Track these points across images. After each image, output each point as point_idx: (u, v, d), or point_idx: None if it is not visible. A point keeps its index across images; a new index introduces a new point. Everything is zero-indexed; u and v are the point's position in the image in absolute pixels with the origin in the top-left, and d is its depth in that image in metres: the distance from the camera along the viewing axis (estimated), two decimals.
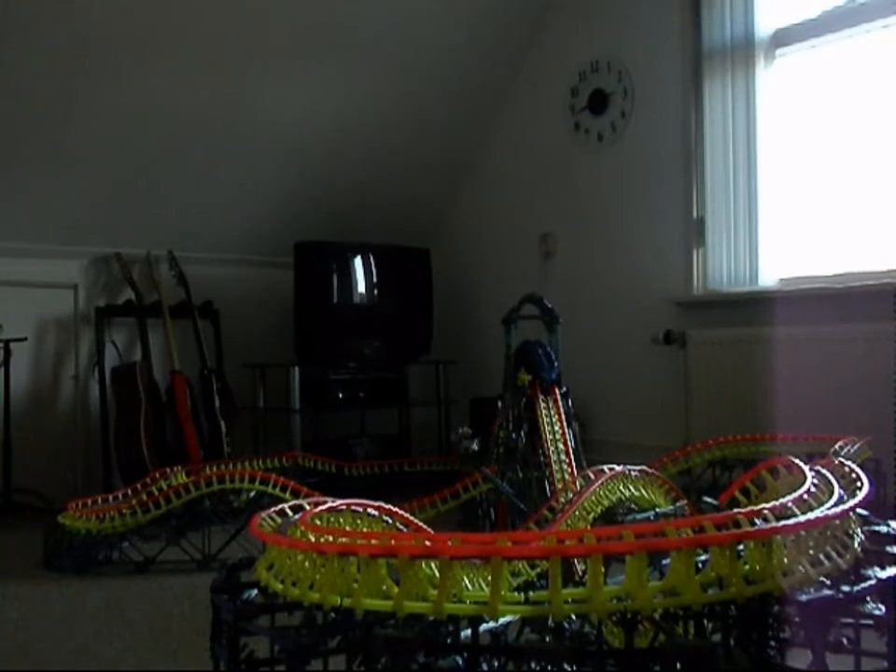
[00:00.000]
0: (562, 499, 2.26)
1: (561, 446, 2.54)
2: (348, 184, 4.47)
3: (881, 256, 3.11)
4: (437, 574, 1.13)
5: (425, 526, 1.78)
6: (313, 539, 1.33)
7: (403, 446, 4.32)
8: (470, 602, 1.14)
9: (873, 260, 3.13)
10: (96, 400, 3.92)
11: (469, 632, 1.19)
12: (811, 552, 1.18)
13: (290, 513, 1.61)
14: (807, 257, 3.35)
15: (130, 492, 2.98)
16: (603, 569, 1.06)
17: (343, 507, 1.60)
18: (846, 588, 1.16)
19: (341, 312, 4.25)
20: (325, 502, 1.59)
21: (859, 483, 1.57)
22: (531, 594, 1.15)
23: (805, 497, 1.34)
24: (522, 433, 2.75)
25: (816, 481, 1.44)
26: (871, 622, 1.17)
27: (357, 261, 4.31)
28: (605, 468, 2.20)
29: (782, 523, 1.16)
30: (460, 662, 1.07)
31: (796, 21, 3.37)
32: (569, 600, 1.06)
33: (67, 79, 3.43)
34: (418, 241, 4.63)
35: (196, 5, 3.47)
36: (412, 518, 1.76)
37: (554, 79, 4.27)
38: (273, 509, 1.68)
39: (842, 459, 1.83)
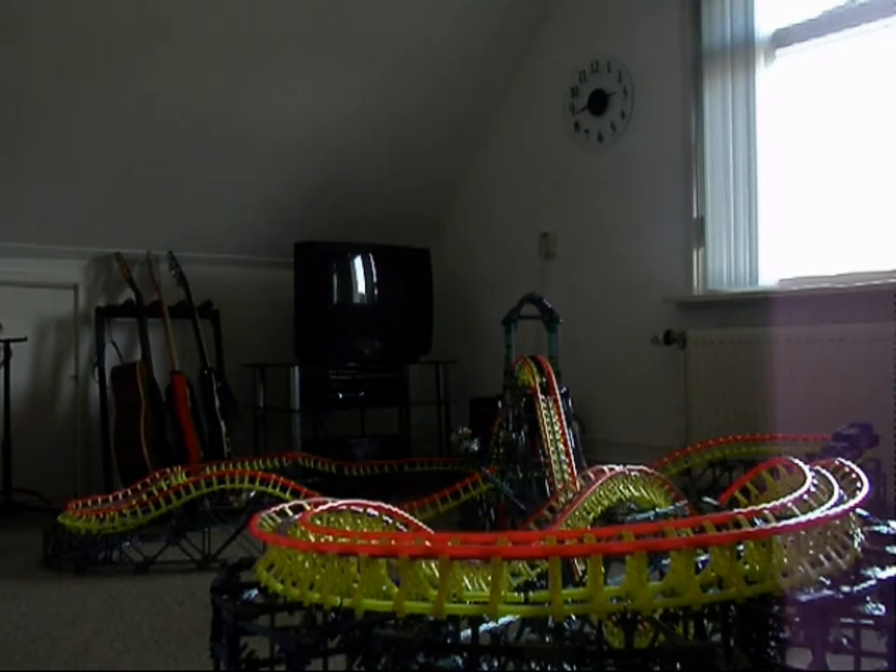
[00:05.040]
0: (562, 499, 2.26)
1: (561, 446, 2.54)
2: (348, 184, 4.47)
3: (881, 256, 3.11)
4: (437, 574, 1.13)
5: (425, 526, 1.78)
6: (313, 540, 1.33)
7: (403, 446, 4.32)
8: (470, 602, 1.14)
9: (873, 261, 3.13)
10: (96, 400, 3.92)
11: (469, 632, 1.19)
12: (811, 552, 1.18)
13: (290, 513, 1.61)
14: (807, 257, 3.35)
15: (130, 492, 2.98)
16: (603, 569, 1.06)
17: (344, 507, 1.60)
18: (846, 588, 1.16)
19: (341, 312, 4.25)
20: (325, 502, 1.59)
21: (859, 484, 1.57)
22: (531, 594, 1.16)
23: (805, 497, 1.34)
24: (522, 433, 2.75)
25: (816, 481, 1.44)
26: (871, 622, 1.17)
27: (357, 261, 4.31)
28: (605, 468, 2.21)
29: (782, 523, 1.16)
30: (460, 662, 1.07)
31: (796, 20, 3.37)
32: (569, 600, 1.06)
33: (67, 79, 3.43)
34: (418, 241, 4.63)
35: (196, 6, 3.47)
36: (412, 518, 1.76)
37: (554, 79, 4.27)
38: (273, 509, 1.68)
39: (842, 459, 1.83)
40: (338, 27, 3.84)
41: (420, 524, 1.79)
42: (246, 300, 4.43)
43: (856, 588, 1.17)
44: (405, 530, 1.70)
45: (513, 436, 2.76)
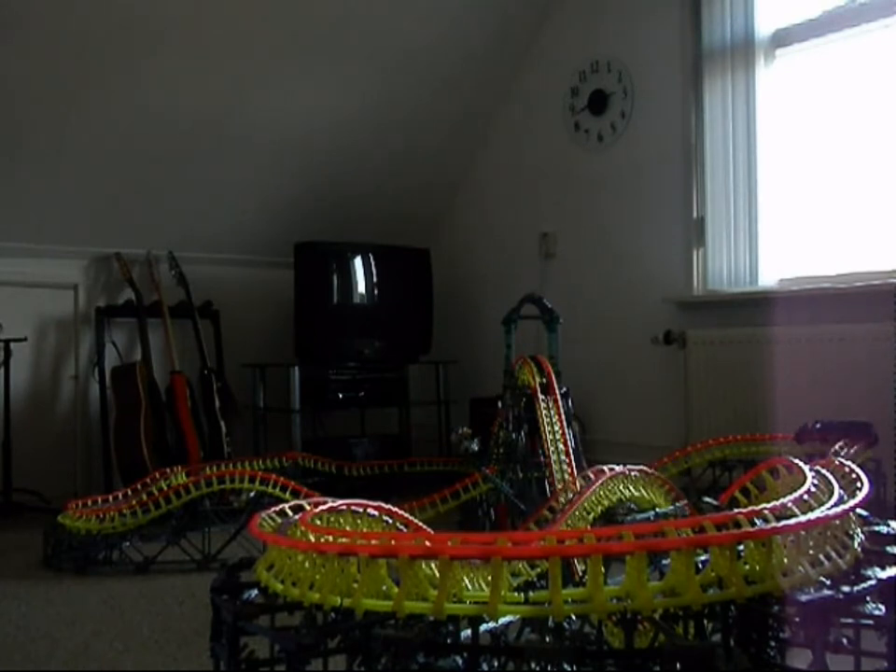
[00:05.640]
0: (562, 499, 2.26)
1: (561, 446, 2.54)
2: (348, 184, 4.47)
3: (881, 256, 3.11)
4: (437, 574, 1.12)
5: (425, 526, 1.78)
6: (313, 539, 1.33)
7: (403, 446, 4.32)
8: (470, 602, 1.14)
9: (873, 260, 3.13)
10: (96, 400, 3.92)
11: (469, 632, 1.19)
12: (811, 552, 1.18)
13: (290, 513, 1.61)
14: (807, 257, 3.35)
15: (130, 492, 2.98)
16: (603, 569, 1.06)
17: (344, 507, 1.60)
18: (846, 588, 1.16)
19: (341, 312, 4.25)
20: (325, 502, 1.59)
21: (859, 484, 1.57)
22: (531, 594, 1.16)
23: (805, 497, 1.34)
24: (522, 433, 2.75)
25: (816, 481, 1.44)
26: (871, 622, 1.17)
27: (357, 261, 4.31)
28: (605, 468, 2.21)
29: (782, 523, 1.16)
30: (460, 662, 1.07)
31: (796, 21, 3.37)
32: (569, 600, 1.06)
33: (67, 79, 3.43)
34: (418, 241, 4.63)
35: (196, 6, 3.47)
36: (412, 518, 1.76)
37: (554, 79, 4.27)
38: (273, 509, 1.68)
39: (842, 459, 1.83)
40: (338, 27, 3.84)
41: (420, 524, 1.79)
42: (246, 300, 4.43)
43: (856, 588, 1.17)
44: (405, 530, 1.70)
45: (513, 436, 2.76)
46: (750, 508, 1.24)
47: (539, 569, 1.59)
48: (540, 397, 2.69)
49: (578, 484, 2.30)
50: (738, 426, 3.16)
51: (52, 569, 2.65)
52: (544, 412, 2.64)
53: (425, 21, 4.02)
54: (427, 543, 1.14)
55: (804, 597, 1.11)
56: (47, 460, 3.84)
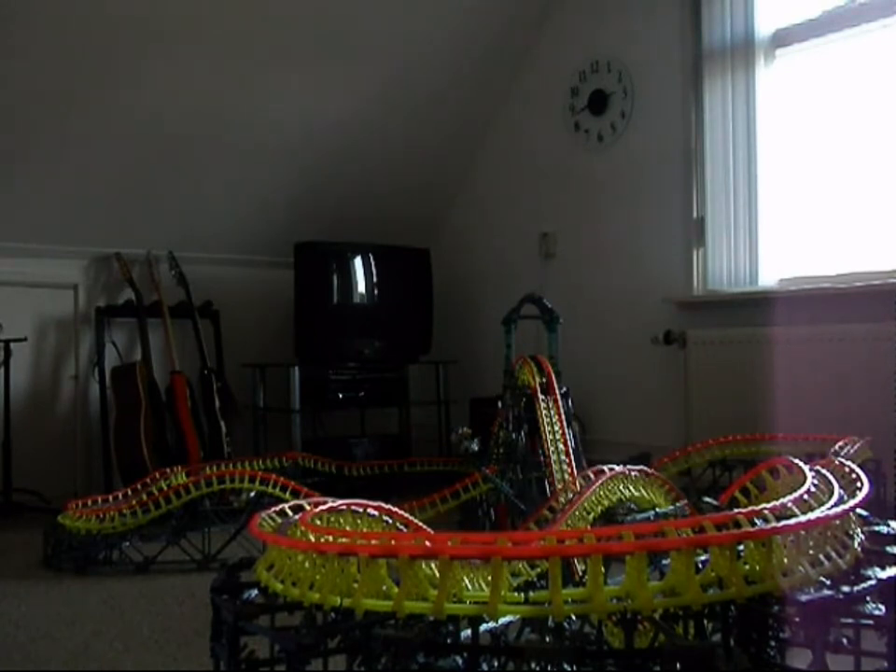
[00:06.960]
0: (562, 499, 2.26)
1: (561, 446, 2.54)
2: (348, 184, 4.47)
3: (881, 256, 3.11)
4: (437, 574, 1.12)
5: (425, 526, 1.78)
6: (313, 539, 1.33)
7: (403, 446, 4.32)
8: (470, 602, 1.14)
9: (873, 260, 3.13)
10: (96, 400, 3.92)
11: (469, 632, 1.19)
12: (811, 552, 1.18)
13: (290, 513, 1.61)
14: (807, 257, 3.35)
15: (130, 492, 2.98)
16: (603, 569, 1.06)
17: (344, 507, 1.60)
18: (846, 588, 1.16)
19: (341, 312, 4.25)
20: (325, 502, 1.59)
21: (859, 484, 1.57)
22: (531, 594, 1.16)
23: (805, 497, 1.34)
24: (522, 433, 2.75)
25: (816, 481, 1.44)
26: (871, 622, 1.17)
27: (357, 261, 4.31)
28: (605, 468, 2.20)
29: (782, 523, 1.16)
30: (460, 662, 1.07)
31: (796, 21, 3.37)
32: (569, 600, 1.06)
33: (68, 79, 3.43)
34: (418, 241, 4.63)
35: (196, 6, 3.47)
36: (412, 518, 1.76)
37: (554, 79, 4.27)
38: (273, 509, 1.68)
39: (842, 459, 1.83)
40: (339, 28, 3.83)
41: (420, 524, 1.79)
42: (246, 300, 4.43)
43: (856, 588, 1.17)
44: (405, 530, 1.70)
45: (513, 436, 2.76)
46: (750, 508, 1.23)
47: (539, 569, 1.59)
48: (540, 397, 2.69)
49: (578, 484, 2.30)
50: (738, 426, 3.15)
51: (52, 569, 2.65)
52: (544, 412, 2.64)
53: (425, 22, 4.02)
54: (427, 543, 1.14)
55: (804, 597, 1.11)
56: (47, 460, 3.84)
